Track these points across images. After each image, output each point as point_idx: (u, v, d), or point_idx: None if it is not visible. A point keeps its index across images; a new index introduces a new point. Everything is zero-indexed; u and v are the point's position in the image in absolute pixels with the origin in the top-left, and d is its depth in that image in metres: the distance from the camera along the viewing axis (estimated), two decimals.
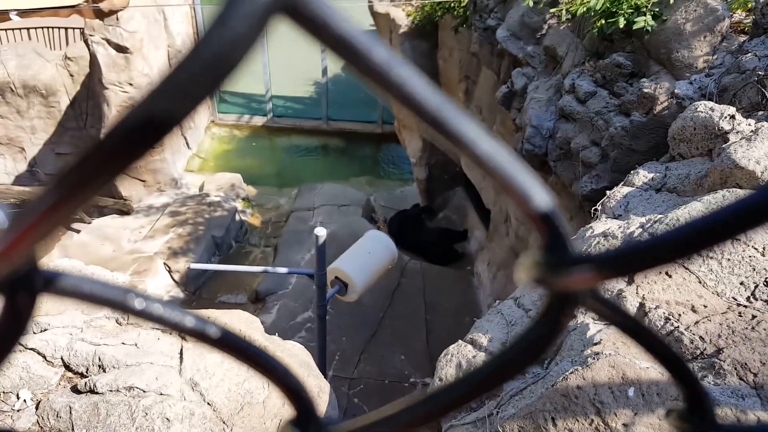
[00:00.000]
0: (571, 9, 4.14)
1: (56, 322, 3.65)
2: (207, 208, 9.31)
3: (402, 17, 7.85)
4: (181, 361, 3.53)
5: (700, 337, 1.81)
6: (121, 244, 8.56)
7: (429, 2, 7.17)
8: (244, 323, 3.47)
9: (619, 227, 2.51)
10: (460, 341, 2.42)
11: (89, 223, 9.15)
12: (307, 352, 3.85)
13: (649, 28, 3.51)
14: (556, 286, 0.31)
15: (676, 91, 3.31)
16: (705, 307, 1.88)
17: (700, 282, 1.92)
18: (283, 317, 7.39)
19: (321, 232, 4.18)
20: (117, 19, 8.56)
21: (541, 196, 0.31)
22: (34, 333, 3.37)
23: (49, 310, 3.80)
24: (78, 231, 9.08)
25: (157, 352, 3.46)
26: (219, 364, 3.81)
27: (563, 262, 0.30)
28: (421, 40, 7.96)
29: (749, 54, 3.04)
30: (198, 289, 8.25)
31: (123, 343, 3.59)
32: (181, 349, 3.80)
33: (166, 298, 7.95)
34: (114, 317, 4.09)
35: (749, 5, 3.35)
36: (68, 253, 8.35)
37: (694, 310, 1.87)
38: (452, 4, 6.62)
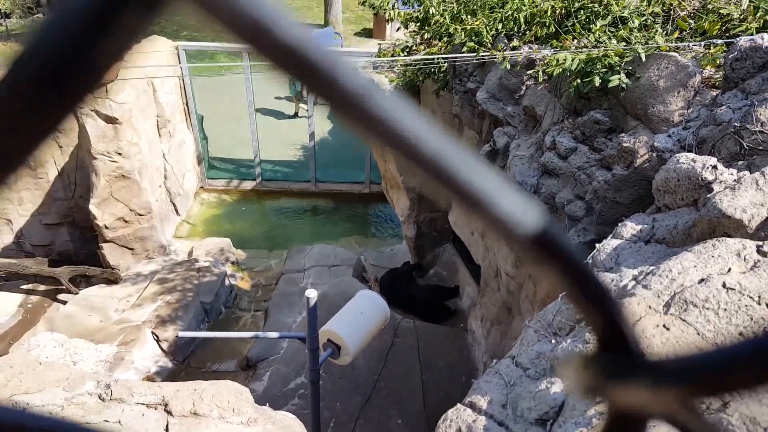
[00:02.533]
0: (547, 70, 4.33)
1: (35, 401, 3.49)
2: (196, 273, 9.19)
3: (385, 83, 8.15)
4: None
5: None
6: (108, 314, 8.36)
7: (410, 68, 7.47)
8: (233, 395, 3.35)
9: (612, 280, 2.52)
10: (459, 405, 2.35)
11: (76, 293, 8.96)
12: (300, 423, 3.69)
13: (624, 86, 3.67)
14: (620, 402, 0.22)
15: (655, 144, 3.42)
16: None
17: (698, 333, 1.91)
18: (275, 384, 7.15)
19: (312, 293, 4.12)
20: (106, 91, 8.77)
21: (593, 280, 0.23)
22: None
23: (28, 387, 3.65)
24: (64, 302, 8.88)
25: (142, 430, 3.30)
26: None
27: (632, 371, 0.22)
28: None
29: (723, 107, 3.18)
30: (187, 358, 8.01)
31: (106, 421, 3.42)
32: (167, 425, 3.63)
33: (154, 369, 7.68)
34: (97, 393, 3.92)
35: (717, 61, 3.54)
36: (54, 325, 8.12)
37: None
38: (432, 70, 6.90)
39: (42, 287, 9.37)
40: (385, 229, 12.09)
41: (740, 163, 2.89)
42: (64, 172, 9.76)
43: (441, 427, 2.26)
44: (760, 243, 2.22)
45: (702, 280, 2.01)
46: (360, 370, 6.94)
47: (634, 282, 2.35)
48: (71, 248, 10.30)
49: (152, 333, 8.00)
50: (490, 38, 5.46)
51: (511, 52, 5.01)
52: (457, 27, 5.77)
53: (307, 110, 14.05)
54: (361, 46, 18.50)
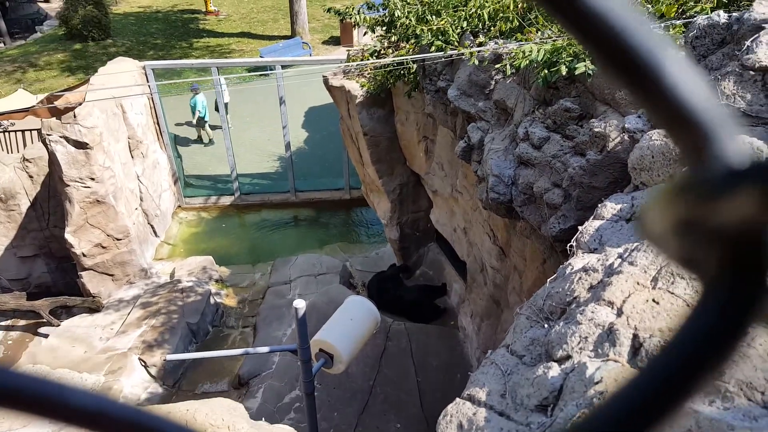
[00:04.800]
0: (514, 63, 4.38)
1: None
2: (179, 294, 9.05)
3: (356, 88, 8.16)
4: None
5: None
6: (93, 344, 8.18)
7: (380, 72, 7.49)
8: (227, 411, 3.29)
9: (598, 260, 2.54)
10: (457, 399, 2.34)
11: (57, 325, 8.75)
12: None
13: (590, 72, 3.72)
14: (733, 217, 0.18)
15: (626, 125, 3.47)
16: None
17: (688, 306, 1.94)
18: (270, 400, 7.07)
19: (300, 304, 4.09)
20: (74, 116, 8.62)
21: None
22: None
23: (11, 424, 3.54)
24: (46, 335, 8.66)
25: None
26: None
27: (728, 175, 0.18)
28: (378, 107, 8.25)
29: None
30: (177, 382, 7.87)
31: None
32: None
33: (144, 396, 7.53)
34: None
35: (677, 42, 3.62)
36: (37, 359, 7.91)
37: None
38: (402, 72, 6.93)
39: (22, 322, 9.13)
40: (369, 234, 12.08)
41: None
42: (37, 201, 9.54)
43: (441, 423, 2.25)
44: None
45: None
46: (355, 377, 6.90)
47: (620, 260, 2.37)
48: (49, 279, 10.06)
49: (139, 359, 7.85)
50: (456, 36, 5.50)
51: (477, 48, 5.06)
52: (423, 28, 5.80)
53: (210, 137, 13.92)
54: (329, 54, 18.51)
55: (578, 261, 2.77)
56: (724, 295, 0.20)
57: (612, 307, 2.15)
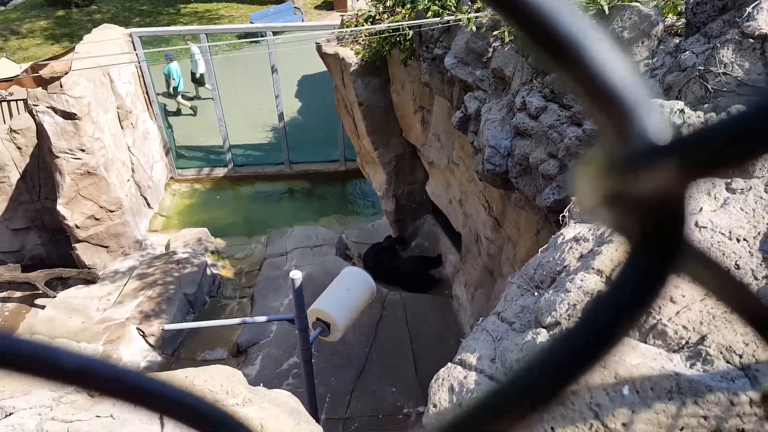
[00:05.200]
0: (513, 31, 4.30)
1: (22, 404, 3.43)
2: (175, 266, 9.07)
3: (351, 56, 8.01)
4: (162, 427, 3.35)
5: (683, 327, 1.84)
6: (90, 315, 8.22)
7: (375, 39, 7.35)
8: (226, 377, 3.35)
9: (589, 230, 2.56)
10: (449, 364, 2.39)
11: (54, 297, 8.77)
12: (296, 399, 3.72)
13: None
14: (652, 186, 0.21)
15: None
16: (683, 296, 1.92)
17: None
18: (268, 367, 7.18)
19: (296, 274, 4.12)
20: (61, 85, 8.44)
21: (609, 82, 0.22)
22: None
23: (13, 391, 3.58)
24: (43, 307, 8.69)
25: (135, 421, 3.29)
26: None
27: (648, 150, 0.20)
28: (373, 76, 8.12)
29: (687, 52, 3.22)
30: (176, 351, 7.96)
31: (98, 416, 3.40)
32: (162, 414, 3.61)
33: (143, 364, 7.63)
34: (85, 390, 3.88)
35: (678, 8, 3.57)
36: (35, 330, 7.96)
37: (672, 300, 1.90)
38: (398, 39, 6.80)
39: (18, 294, 9.14)
40: (365, 206, 12.07)
41: (706, 105, 2.95)
42: (27, 174, 9.43)
43: (434, 386, 2.31)
44: (729, 180, 2.28)
45: None
46: (351, 345, 7.02)
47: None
48: (43, 251, 10.03)
49: (137, 329, 7.92)
50: (454, 1, 5.39)
51: (475, 14, 4.97)
52: None
53: (190, 107, 13.68)
54: (322, 19, 18.11)
55: (570, 231, 2.79)
56: (647, 255, 0.23)
57: (601, 275, 2.19)
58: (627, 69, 0.22)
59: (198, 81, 13.99)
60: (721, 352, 1.72)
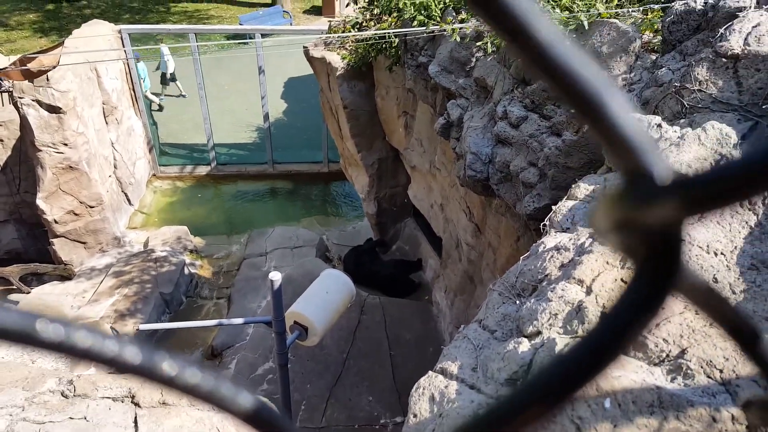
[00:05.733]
0: (495, 41, 4.37)
1: None
2: (153, 264, 8.97)
3: (337, 60, 8.04)
4: (136, 429, 3.32)
5: (664, 340, 1.85)
6: (64, 312, 8.08)
7: (362, 45, 7.40)
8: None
9: (570, 239, 2.61)
10: (430, 372, 2.40)
11: (28, 293, 8.61)
12: (272, 405, 3.71)
13: None
14: (653, 220, 0.25)
15: None
16: (662, 308, 1.95)
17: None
18: (243, 371, 7.12)
19: (275, 276, 4.10)
20: (47, 79, 8.33)
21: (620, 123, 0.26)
22: None
23: None
24: (16, 303, 8.51)
25: (109, 423, 3.25)
26: (178, 429, 3.62)
27: (657, 190, 0.25)
28: (358, 80, 8.16)
29: (664, 68, 3.30)
30: None
31: (71, 418, 3.35)
32: (136, 417, 3.58)
33: None
34: (59, 390, 3.82)
35: (655, 26, 3.66)
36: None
37: None
38: (384, 45, 6.85)
39: None
40: (347, 208, 12.08)
41: (682, 120, 3.03)
42: (7, 166, 9.26)
43: (414, 396, 2.31)
44: None
45: None
46: (329, 349, 6.99)
47: (591, 240, 2.44)
48: (20, 246, 9.84)
49: (111, 328, 7.80)
50: (439, 11, 5.45)
51: (459, 24, 5.03)
52: (406, 1, 5.73)
53: (158, 103, 13.71)
54: (310, 24, 18.13)
55: (551, 240, 2.83)
56: (650, 274, 0.27)
57: (582, 285, 2.22)
58: (637, 121, 0.26)
59: (165, 81, 14.03)
60: (702, 367, 1.73)
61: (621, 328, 0.28)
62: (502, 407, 0.31)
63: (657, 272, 0.27)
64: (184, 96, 14.24)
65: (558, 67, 0.25)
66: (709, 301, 0.32)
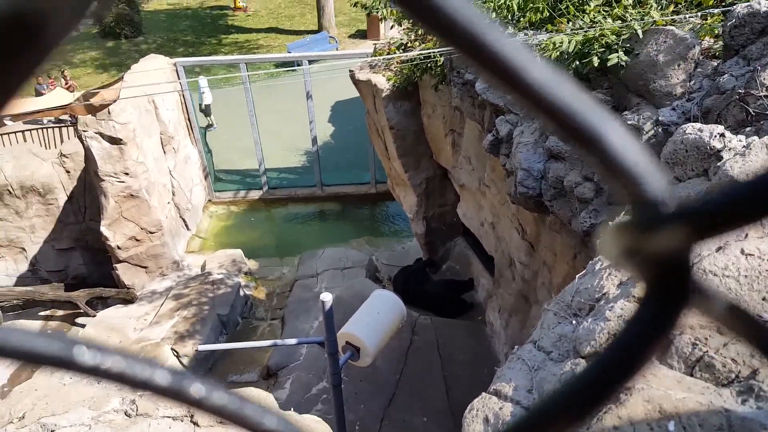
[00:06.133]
0: (545, 55, 4.30)
1: (63, 422, 3.52)
2: (210, 287, 9.24)
3: (383, 82, 8.15)
4: None
5: (732, 360, 1.74)
6: (127, 334, 8.43)
7: (407, 65, 7.46)
8: (258, 400, 3.36)
9: None
10: (484, 394, 2.33)
11: (94, 316, 9.05)
12: (326, 425, 3.70)
13: (623, 64, 3.64)
14: (660, 247, 0.26)
15: (660, 118, 3.39)
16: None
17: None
18: (298, 390, 7.17)
19: (327, 297, 4.12)
20: (109, 112, 8.85)
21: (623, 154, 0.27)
22: None
23: (54, 409, 3.69)
24: (83, 326, 8.96)
25: None
26: None
27: (664, 218, 0.25)
28: (404, 100, 8.22)
29: (726, 75, 3.14)
30: (208, 372, 8.05)
31: None
32: None
33: None
34: (123, 409, 3.96)
35: (715, 31, 3.50)
36: None
37: (720, 332, 1.82)
38: (429, 65, 6.89)
39: (60, 312, 9.47)
40: (395, 228, 12.08)
41: (748, 129, 2.86)
42: (74, 196, 9.86)
43: (468, 417, 2.25)
44: None
45: (719, 248, 1.98)
46: (381, 370, 6.94)
47: None
48: (85, 271, 10.39)
49: (172, 349, 8.05)
50: None
51: None
52: None
53: (210, 124, 14.04)
54: (356, 48, 18.51)
55: None
56: (660, 297, 0.28)
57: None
58: (639, 148, 0.27)
59: (203, 111, 14.49)
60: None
61: (631, 348, 0.28)
62: (521, 425, 0.32)
63: (666, 295, 0.28)
64: (214, 128, 14.62)
65: (552, 105, 0.26)
66: (731, 318, 0.31)
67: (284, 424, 0.34)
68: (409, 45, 7.51)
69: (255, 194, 12.81)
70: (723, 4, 3.75)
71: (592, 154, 0.27)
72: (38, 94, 14.01)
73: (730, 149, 2.66)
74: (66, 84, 15.32)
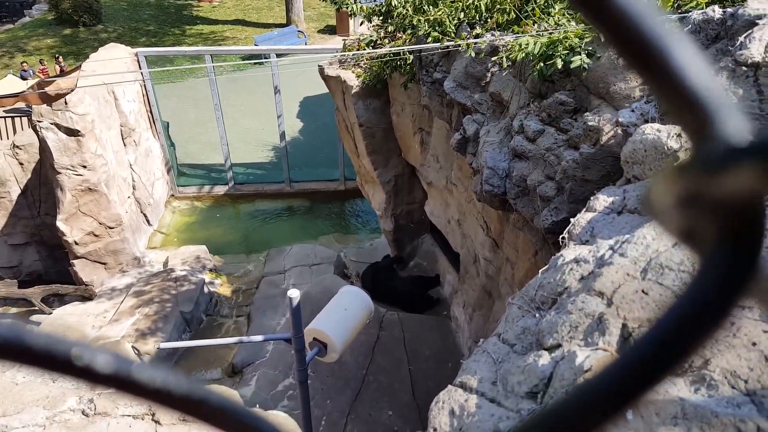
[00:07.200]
0: (511, 56, 4.39)
1: (15, 423, 3.40)
2: (173, 284, 9.04)
3: (352, 78, 8.13)
4: None
5: None
6: (85, 332, 8.16)
7: (377, 62, 7.47)
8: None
9: (590, 251, 2.58)
10: (449, 386, 2.38)
11: (50, 313, 8.73)
12: (293, 421, 3.69)
13: (585, 66, 3.75)
14: (731, 190, 0.21)
15: (619, 119, 3.51)
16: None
17: (676, 297, 1.98)
18: (264, 387, 7.11)
19: (294, 293, 4.11)
20: (65, 102, 8.53)
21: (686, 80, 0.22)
22: None
23: (6, 409, 3.55)
24: (38, 323, 8.63)
25: None
26: None
27: (728, 153, 0.20)
28: (373, 98, 8.23)
29: None
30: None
31: None
32: None
33: None
34: (80, 408, 3.84)
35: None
36: None
37: None
38: (399, 63, 6.92)
39: (14, 309, 9.10)
40: (364, 225, 12.10)
41: None
42: (28, 189, 9.47)
43: (434, 409, 2.29)
44: None
45: (676, 244, 2.08)
46: (348, 365, 6.96)
47: (611, 251, 2.41)
48: (41, 267, 10.01)
49: (133, 347, 7.85)
50: (453, 27, 5.50)
51: (474, 40, 5.07)
52: (420, 18, 5.80)
53: None
54: (325, 43, 18.39)
55: (570, 252, 2.81)
56: (723, 261, 0.22)
57: (602, 298, 2.19)
58: (707, 72, 0.22)
59: None
60: (726, 377, 1.70)
61: (681, 334, 0.23)
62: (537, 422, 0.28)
63: (731, 258, 0.22)
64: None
65: (613, 10, 0.22)
66: None
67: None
68: (378, 42, 7.52)
69: (220, 189, 12.59)
70: (679, 11, 3.90)
71: (651, 74, 0.22)
72: (23, 80, 13.44)
73: (687, 149, 2.78)
74: (60, 69, 14.77)
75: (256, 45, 17.37)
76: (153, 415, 3.70)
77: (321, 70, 8.62)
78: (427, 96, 6.53)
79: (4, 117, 11.38)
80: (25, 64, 15.66)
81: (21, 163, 9.27)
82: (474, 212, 6.48)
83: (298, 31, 19.46)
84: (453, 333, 7.80)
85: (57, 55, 16.22)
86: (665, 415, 1.66)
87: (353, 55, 8.05)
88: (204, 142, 13.56)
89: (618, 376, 0.25)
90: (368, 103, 8.24)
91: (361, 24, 7.81)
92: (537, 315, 2.55)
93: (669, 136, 2.88)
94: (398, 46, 6.67)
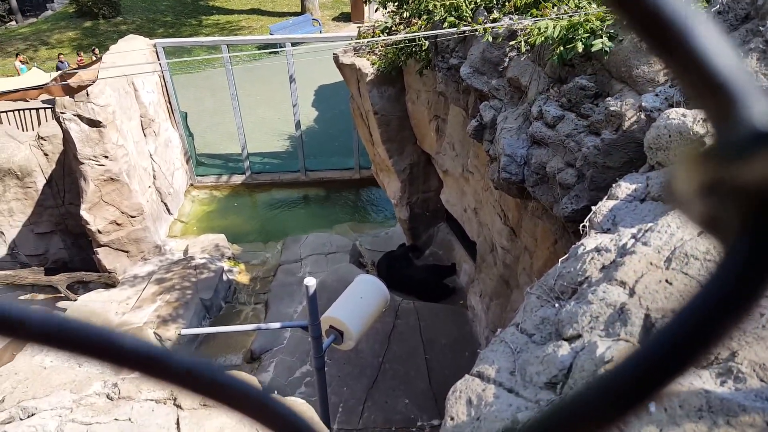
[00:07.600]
0: (529, 40, 4.31)
1: (43, 405, 3.50)
2: (193, 271, 9.18)
3: (367, 66, 8.08)
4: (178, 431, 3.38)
5: None
6: (109, 318, 8.35)
7: (392, 49, 7.41)
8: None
9: (611, 240, 2.54)
10: (467, 376, 2.37)
11: (75, 300, 8.94)
12: (310, 407, 3.73)
13: (607, 49, 3.66)
14: (746, 179, 0.20)
15: (643, 104, 3.42)
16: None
17: (701, 286, 1.94)
18: (281, 374, 7.20)
19: (310, 281, 4.14)
20: (87, 94, 8.65)
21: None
22: (21, 419, 3.22)
23: (35, 392, 3.66)
24: (64, 310, 8.85)
25: (152, 425, 3.32)
26: (219, 430, 3.68)
27: (753, 137, 0.20)
28: (388, 85, 8.18)
29: None
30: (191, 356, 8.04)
31: (116, 419, 3.44)
32: (178, 419, 3.66)
33: None
34: (104, 392, 3.94)
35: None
36: None
37: None
38: (414, 49, 6.85)
39: (40, 296, 9.33)
40: (379, 213, 12.10)
41: None
42: (53, 179, 9.66)
43: (451, 399, 2.29)
44: None
45: (701, 232, 2.03)
46: (364, 353, 7.00)
47: (633, 240, 2.36)
48: (66, 255, 10.23)
49: (155, 333, 8.01)
50: (470, 12, 5.42)
51: (491, 24, 4.98)
52: (436, 3, 5.72)
53: None
54: (340, 31, 18.31)
55: (591, 241, 2.76)
56: (748, 250, 0.21)
57: (624, 287, 2.15)
58: (732, 55, 0.21)
59: None
60: (754, 370, 1.65)
61: (704, 325, 0.22)
62: (556, 414, 0.27)
63: (755, 247, 0.21)
64: None
65: None
66: None
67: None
68: (393, 28, 7.45)
69: (238, 179, 12.69)
70: None
71: (673, 56, 0.22)
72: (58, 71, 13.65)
73: (712, 135, 2.70)
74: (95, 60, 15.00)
75: (271, 34, 17.37)
76: (175, 399, 3.77)
77: (336, 58, 8.59)
78: (443, 82, 6.46)
79: (30, 109, 11.60)
80: (61, 56, 15.86)
81: (46, 154, 9.45)
82: (491, 200, 6.42)
83: (313, 19, 19.40)
84: (470, 322, 7.78)
85: (93, 48, 16.40)
86: (689, 407, 1.62)
87: (368, 42, 7.99)
88: (221, 132, 13.67)
89: (640, 366, 0.25)
90: (383, 90, 8.20)
91: (376, 10, 7.74)
92: (556, 305, 2.52)
93: (695, 121, 2.80)
94: (413, 32, 6.60)
